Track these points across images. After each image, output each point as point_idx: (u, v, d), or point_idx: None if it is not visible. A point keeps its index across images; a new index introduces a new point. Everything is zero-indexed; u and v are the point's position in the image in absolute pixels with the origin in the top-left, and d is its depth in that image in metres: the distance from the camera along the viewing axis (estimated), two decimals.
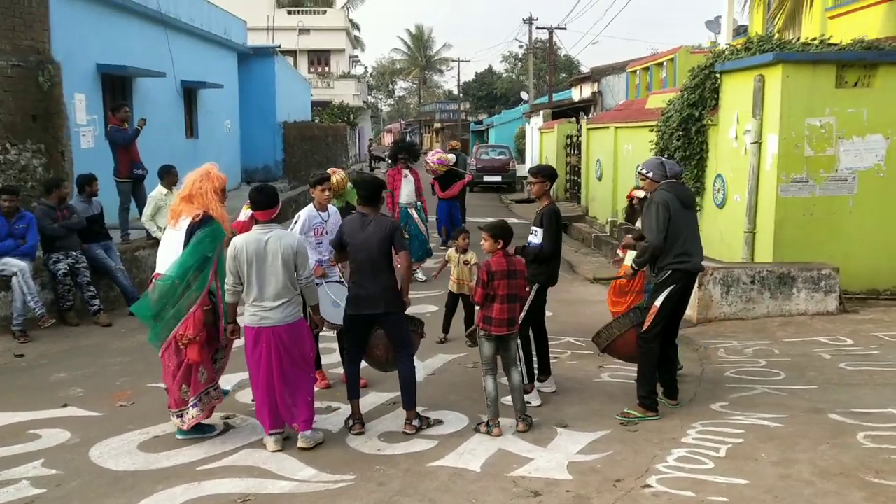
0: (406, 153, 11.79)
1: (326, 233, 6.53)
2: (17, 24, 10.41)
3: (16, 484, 4.70)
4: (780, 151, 9.16)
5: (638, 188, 8.01)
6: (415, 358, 5.81)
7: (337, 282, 6.43)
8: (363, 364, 5.80)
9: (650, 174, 5.88)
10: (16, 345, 7.95)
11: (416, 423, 5.54)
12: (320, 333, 6.11)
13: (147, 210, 10.12)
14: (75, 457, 5.13)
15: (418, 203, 11.58)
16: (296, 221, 6.48)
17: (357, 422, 5.59)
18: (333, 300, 6.26)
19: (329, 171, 9.01)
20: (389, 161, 12.25)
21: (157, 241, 9.88)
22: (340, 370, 6.77)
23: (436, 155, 13.23)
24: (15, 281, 8.14)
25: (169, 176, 10.11)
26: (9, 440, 5.40)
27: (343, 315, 5.77)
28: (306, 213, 6.55)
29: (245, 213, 6.31)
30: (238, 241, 5.18)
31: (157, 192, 10.10)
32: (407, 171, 11.49)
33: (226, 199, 5.58)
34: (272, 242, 5.14)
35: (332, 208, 6.72)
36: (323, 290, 6.21)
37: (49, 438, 5.44)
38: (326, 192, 6.64)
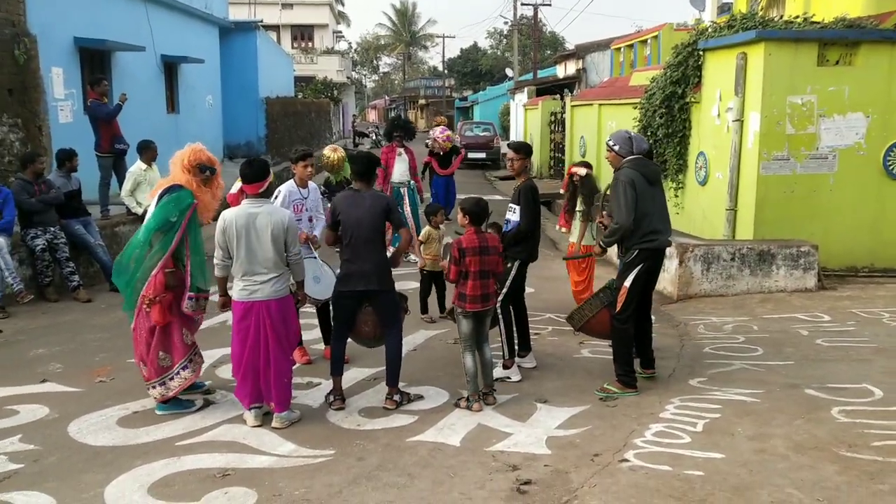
0: (402, 131, 11.32)
1: (306, 209, 6.50)
2: None
3: None
4: (762, 129, 9.19)
5: (579, 164, 8.03)
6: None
7: (313, 258, 6.39)
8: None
9: (616, 147, 5.81)
10: None
11: (396, 398, 5.56)
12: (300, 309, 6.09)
13: (126, 185, 10.00)
14: (53, 432, 5.11)
15: (411, 183, 11.22)
16: (275, 197, 6.43)
17: (338, 398, 5.60)
18: (314, 276, 6.24)
19: (329, 147, 8.98)
20: (383, 138, 12.10)
21: (136, 217, 9.82)
22: (321, 346, 6.80)
23: (444, 132, 13.06)
24: None
25: (148, 151, 9.95)
26: None
27: (331, 291, 5.76)
28: (287, 188, 6.49)
29: (237, 185, 6.24)
30: (227, 215, 5.14)
31: (136, 167, 9.97)
32: (402, 150, 11.16)
33: (210, 177, 5.41)
34: (262, 217, 5.08)
35: (311, 185, 6.67)
36: (309, 264, 6.18)
37: (27, 414, 5.42)
38: (309, 168, 6.59)
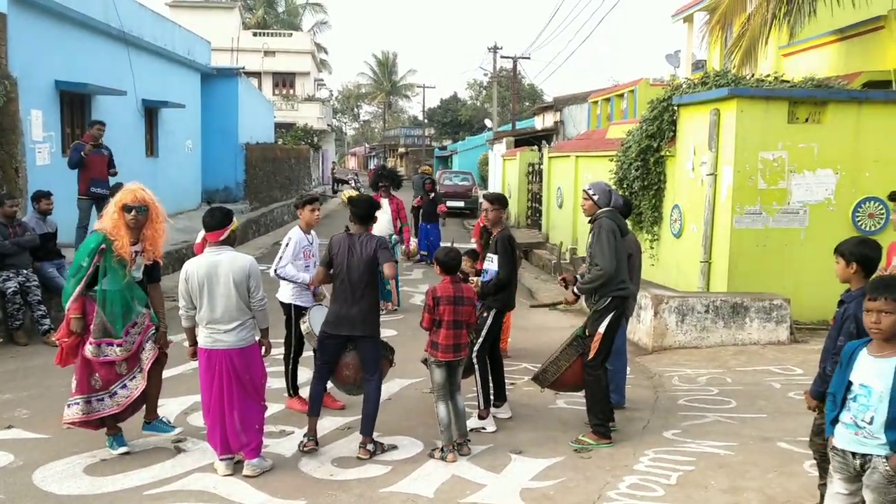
0: (387, 180, 10.84)
1: (313, 255, 6.51)
2: None
3: None
4: (735, 184, 9.37)
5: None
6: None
7: (320, 306, 6.35)
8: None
9: (595, 196, 5.91)
10: None
11: (370, 447, 5.51)
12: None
13: None
14: (17, 480, 5.00)
15: (393, 237, 10.68)
16: (286, 245, 6.39)
17: (311, 439, 5.55)
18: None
19: (347, 190, 9.05)
20: (367, 188, 11.82)
21: None
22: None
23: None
24: None
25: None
26: None
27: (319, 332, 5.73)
28: (296, 236, 6.46)
29: (202, 234, 6.24)
30: (189, 265, 5.14)
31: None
32: (386, 201, 10.62)
33: (139, 216, 5.39)
34: (224, 265, 5.07)
35: (314, 231, 6.68)
36: (316, 312, 6.18)
37: None
38: (317, 213, 6.62)
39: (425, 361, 6.20)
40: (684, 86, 11.33)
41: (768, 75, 10.48)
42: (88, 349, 5.36)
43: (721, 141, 9.62)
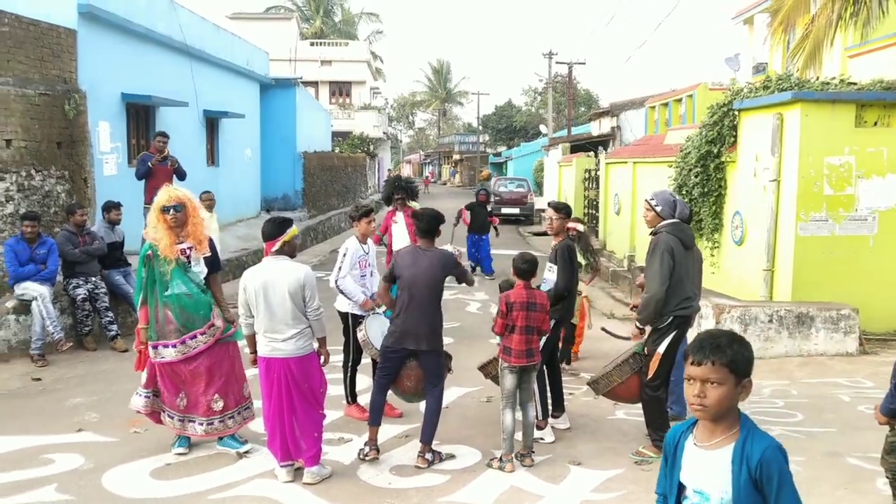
0: (403, 192, 9.95)
1: (369, 264, 6.57)
2: (46, 53, 10.66)
3: None
4: (799, 190, 9.13)
5: (574, 220, 7.83)
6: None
7: (378, 314, 6.41)
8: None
9: (658, 207, 5.70)
10: (34, 368, 8.01)
11: (428, 456, 5.51)
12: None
13: None
14: (88, 483, 5.15)
15: None
16: (343, 255, 6.43)
17: (373, 448, 5.58)
18: (382, 332, 6.18)
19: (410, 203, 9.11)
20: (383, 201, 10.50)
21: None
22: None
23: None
24: (35, 305, 8.23)
25: (207, 201, 10.74)
26: (24, 464, 5.43)
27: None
28: (353, 246, 6.48)
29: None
30: (246, 275, 5.24)
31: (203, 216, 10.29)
32: (400, 215, 9.81)
33: (178, 214, 5.53)
34: (279, 274, 5.12)
35: (369, 241, 6.73)
36: (372, 320, 6.23)
37: (63, 463, 5.47)
38: (373, 224, 6.69)
39: (483, 369, 6.21)
40: (745, 90, 11.09)
41: (833, 78, 10.20)
42: (150, 352, 5.52)
43: (784, 146, 9.39)
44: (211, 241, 5.83)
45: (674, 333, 5.61)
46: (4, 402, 6.97)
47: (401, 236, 9.66)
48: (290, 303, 5.09)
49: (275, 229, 5.24)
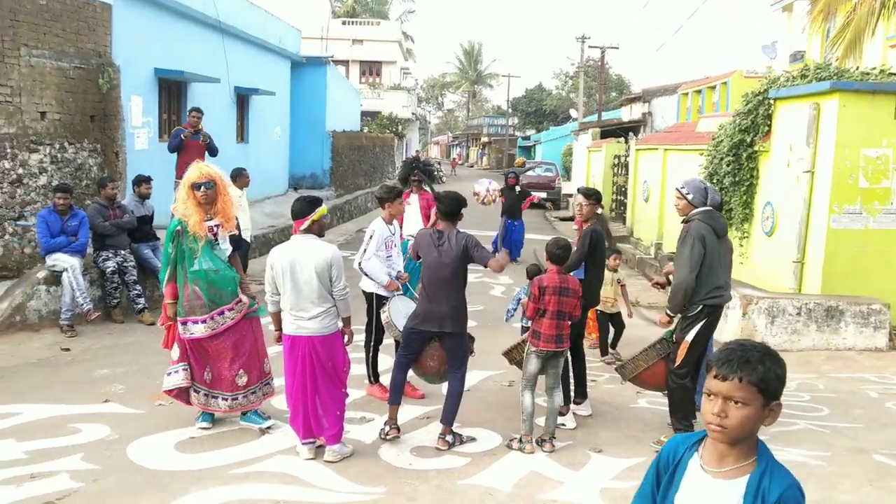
0: (420, 174, 9.02)
1: (395, 245, 6.57)
2: (81, 27, 10.74)
3: (56, 476, 4.81)
4: (834, 182, 8.97)
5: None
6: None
7: (403, 295, 6.42)
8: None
9: (690, 196, 5.63)
10: (63, 339, 8.14)
11: (449, 438, 5.53)
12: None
13: None
14: (113, 453, 5.23)
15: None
16: (370, 237, 6.38)
17: (393, 427, 5.61)
18: (405, 313, 6.15)
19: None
20: (398, 183, 9.52)
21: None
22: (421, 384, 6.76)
23: (492, 185, 12.13)
24: (65, 276, 8.35)
25: (241, 178, 10.68)
26: (52, 432, 5.52)
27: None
28: (379, 228, 6.43)
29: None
30: (274, 252, 5.26)
31: (235, 194, 10.19)
32: (415, 197, 8.95)
33: (208, 191, 5.56)
34: (307, 253, 5.13)
35: (395, 222, 6.72)
36: (396, 302, 6.24)
37: (89, 433, 5.56)
38: (402, 206, 6.70)
39: (507, 354, 6.20)
40: (782, 79, 10.88)
41: (874, 68, 9.97)
42: (179, 328, 5.57)
43: (820, 137, 9.22)
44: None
45: (703, 322, 5.56)
46: (34, 371, 7.09)
47: (413, 220, 8.91)
48: (316, 282, 5.09)
49: (304, 207, 5.23)
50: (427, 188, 8.56)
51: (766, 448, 2.12)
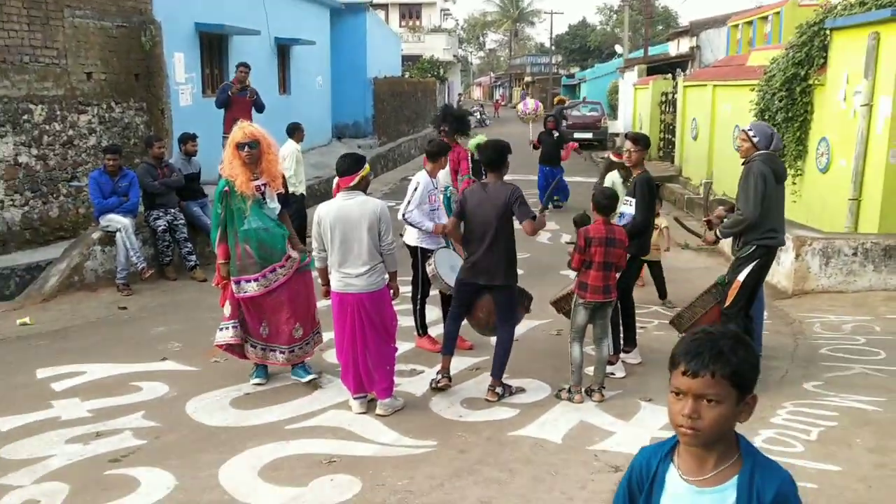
0: (451, 123, 8.00)
1: (437, 199, 6.55)
2: None
3: (120, 434, 4.99)
4: (893, 115, 8.60)
5: (620, 152, 7.56)
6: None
7: (446, 248, 6.44)
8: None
9: (756, 139, 5.60)
10: (119, 298, 8.37)
11: (499, 390, 5.57)
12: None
13: (289, 165, 10.09)
14: (173, 410, 5.40)
15: (449, 189, 7.66)
16: (415, 189, 6.35)
17: (445, 376, 5.68)
18: (451, 265, 6.22)
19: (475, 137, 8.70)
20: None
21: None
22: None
23: (535, 104, 11.85)
24: (119, 237, 8.54)
25: (298, 132, 10.66)
26: (115, 391, 5.72)
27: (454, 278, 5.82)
28: (424, 180, 6.42)
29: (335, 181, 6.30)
30: (321, 208, 5.27)
31: (293, 147, 10.43)
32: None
33: (252, 151, 5.57)
34: (355, 208, 5.14)
35: (441, 174, 6.67)
36: (441, 254, 6.27)
37: (149, 391, 5.74)
38: (446, 162, 6.65)
39: (556, 304, 6.18)
40: (839, 7, 10.39)
41: None
42: (233, 287, 5.67)
43: (880, 68, 8.82)
44: (283, 178, 5.89)
45: (755, 262, 5.56)
46: (94, 331, 7.32)
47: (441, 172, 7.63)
48: (367, 237, 5.11)
49: (352, 165, 5.24)
50: (458, 141, 7.92)
51: (749, 443, 1.92)
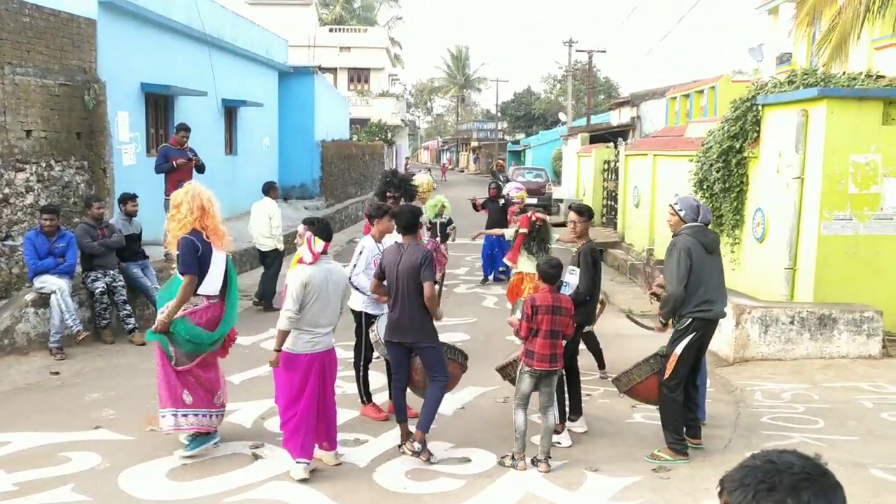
0: (396, 189, 8.42)
1: None
2: (66, 44, 10.67)
3: None
4: (824, 188, 8.97)
5: (539, 210, 8.41)
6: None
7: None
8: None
9: (682, 213, 5.74)
10: (52, 362, 8.05)
11: (416, 446, 5.50)
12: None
13: (277, 223, 10.93)
14: (104, 483, 5.16)
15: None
16: (359, 253, 6.45)
17: (411, 441, 5.61)
18: None
19: (420, 176, 9.02)
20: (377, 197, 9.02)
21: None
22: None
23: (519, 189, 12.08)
24: (53, 299, 8.26)
25: (273, 190, 11.20)
26: (41, 462, 5.44)
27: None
28: (369, 244, 6.51)
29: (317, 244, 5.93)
30: (308, 271, 5.30)
31: (271, 205, 10.99)
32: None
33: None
34: (333, 273, 5.44)
35: (385, 239, 6.66)
36: (384, 320, 6.23)
37: (80, 462, 5.48)
38: (391, 224, 6.64)
39: (502, 371, 6.16)
40: (769, 84, 10.88)
41: (860, 73, 9.98)
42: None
43: (809, 143, 9.22)
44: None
45: (692, 335, 5.62)
46: (23, 397, 7.01)
47: (391, 236, 7.44)
48: (338, 300, 5.46)
49: (329, 232, 5.52)
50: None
51: None
